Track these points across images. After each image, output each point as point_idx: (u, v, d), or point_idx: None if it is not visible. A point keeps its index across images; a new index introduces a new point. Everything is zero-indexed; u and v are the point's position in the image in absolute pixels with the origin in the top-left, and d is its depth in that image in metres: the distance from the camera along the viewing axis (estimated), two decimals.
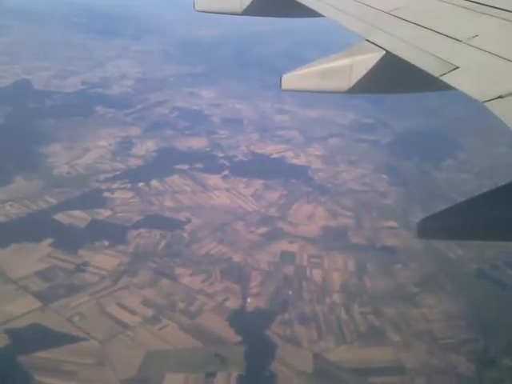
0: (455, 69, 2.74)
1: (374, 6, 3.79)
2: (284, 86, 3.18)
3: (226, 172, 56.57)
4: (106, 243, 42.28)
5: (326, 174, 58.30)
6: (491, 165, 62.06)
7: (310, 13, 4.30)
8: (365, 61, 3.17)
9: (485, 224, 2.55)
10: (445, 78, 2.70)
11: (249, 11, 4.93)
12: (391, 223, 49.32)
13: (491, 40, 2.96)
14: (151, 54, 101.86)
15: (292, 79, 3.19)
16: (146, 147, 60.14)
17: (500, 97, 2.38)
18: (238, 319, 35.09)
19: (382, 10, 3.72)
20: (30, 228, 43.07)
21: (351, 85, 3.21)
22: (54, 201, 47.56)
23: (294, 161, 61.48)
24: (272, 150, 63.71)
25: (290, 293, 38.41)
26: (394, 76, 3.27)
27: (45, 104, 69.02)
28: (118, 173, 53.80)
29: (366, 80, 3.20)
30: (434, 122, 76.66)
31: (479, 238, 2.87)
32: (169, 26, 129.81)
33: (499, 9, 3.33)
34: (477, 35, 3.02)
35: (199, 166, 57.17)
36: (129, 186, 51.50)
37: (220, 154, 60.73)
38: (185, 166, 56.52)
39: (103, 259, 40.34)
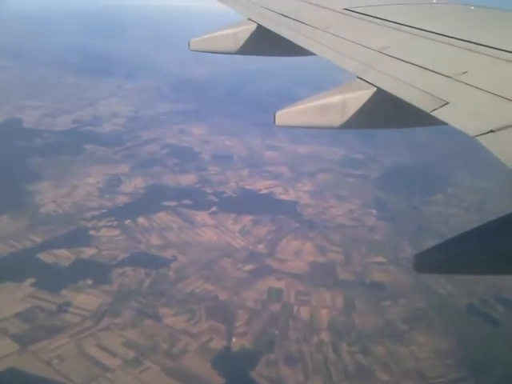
0: (446, 104, 2.80)
1: (364, 44, 3.95)
2: (278, 122, 3.27)
3: (214, 208, 56.40)
4: (90, 282, 41.55)
5: (315, 210, 58.18)
6: (480, 199, 62.28)
7: (302, 51, 4.46)
8: (357, 97, 3.27)
9: (484, 257, 2.53)
10: (436, 114, 2.75)
11: (242, 50, 5.11)
12: (380, 259, 48.87)
13: (480, 76, 3.04)
14: (143, 93, 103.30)
15: (286, 116, 3.27)
16: (135, 184, 60.09)
17: (491, 131, 2.41)
18: (222, 360, 34.11)
19: (371, 48, 3.88)
20: (13, 268, 42.33)
21: (344, 121, 3.31)
22: (38, 239, 47.01)
23: (283, 196, 61.46)
24: (261, 185, 63.78)
25: (277, 332, 37.55)
26: (385, 112, 3.36)
27: (34, 142, 69.30)
28: (104, 210, 53.48)
29: (359, 116, 3.29)
30: (422, 157, 77.27)
31: (477, 273, 2.84)
32: (162, 65, 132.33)
33: (487, 46, 3.44)
34: (466, 71, 3.11)
35: (187, 202, 57.01)
36: (115, 223, 51.10)
37: (209, 191, 60.68)
38: (173, 203, 56.35)
39: (86, 299, 39.53)
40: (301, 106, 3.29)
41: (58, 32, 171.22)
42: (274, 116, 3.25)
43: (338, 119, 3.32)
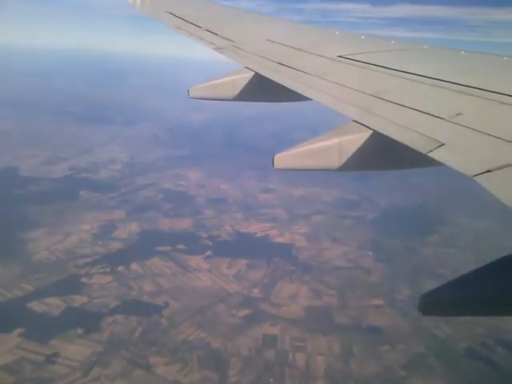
0: (441, 145, 2.86)
1: (359, 89, 4.08)
2: (277, 165, 3.32)
3: (208, 252, 56.00)
4: (80, 331, 40.63)
5: (310, 252, 57.76)
6: (476, 238, 62.04)
7: (298, 97, 4.61)
8: (353, 140, 3.36)
9: (492, 298, 2.48)
10: (432, 155, 2.79)
11: (240, 97, 5.27)
12: (377, 301, 48.04)
13: (474, 117, 3.11)
14: (141, 139, 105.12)
15: (284, 159, 3.36)
16: (129, 230, 59.91)
17: (488, 171, 2.45)
18: None
19: (366, 92, 3.99)
20: (2, 318, 41.54)
21: (341, 163, 3.38)
22: (30, 288, 46.31)
23: (278, 239, 61.18)
24: (256, 228, 63.62)
25: (272, 380, 36.36)
26: (382, 154, 3.44)
27: (30, 190, 69.60)
28: (97, 257, 53.01)
29: (356, 158, 3.38)
30: (417, 198, 77.81)
31: (486, 314, 2.84)
32: (160, 112, 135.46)
33: (479, 89, 3.55)
34: (460, 113, 3.19)
35: (182, 247, 56.66)
36: (108, 270, 50.55)
37: (204, 235, 60.45)
38: (167, 248, 56.00)
39: (75, 349, 38.51)
40: (299, 150, 3.38)
41: (59, 82, 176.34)
42: (273, 159, 3.31)
43: (335, 162, 3.41)
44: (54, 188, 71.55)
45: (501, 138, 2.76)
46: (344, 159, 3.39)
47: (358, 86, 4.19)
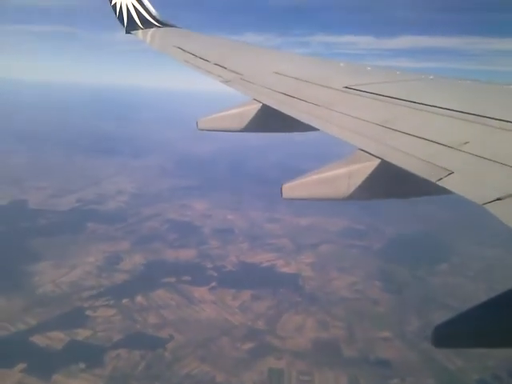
0: (450, 174, 2.85)
1: (366, 119, 4.13)
2: (285, 195, 3.33)
3: (213, 283, 55.53)
4: (82, 366, 40.12)
5: (317, 283, 57.00)
6: (486, 267, 60.89)
7: (305, 127, 4.65)
8: (361, 169, 3.36)
9: (510, 329, 2.40)
10: (441, 183, 2.79)
11: (248, 128, 5.34)
12: (385, 333, 46.98)
13: (482, 145, 3.12)
14: (148, 170, 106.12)
15: (293, 188, 3.36)
16: (134, 261, 59.77)
17: (498, 199, 2.44)
18: None
19: (373, 122, 4.02)
20: (4, 352, 41.04)
21: (350, 192, 3.38)
22: (33, 322, 46.02)
23: (285, 269, 60.60)
24: (262, 258, 63.17)
25: None
26: (390, 183, 3.43)
27: (38, 223, 70.12)
28: (102, 289, 52.77)
29: (364, 187, 3.37)
30: (425, 226, 76.86)
31: (503, 346, 2.62)
32: (168, 143, 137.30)
33: (485, 117, 3.57)
34: (467, 142, 3.20)
35: (186, 278, 56.29)
36: (112, 302, 50.21)
37: (209, 265, 60.09)
38: (172, 279, 55.65)
39: None
40: (307, 179, 3.39)
41: (70, 116, 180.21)
42: (281, 189, 3.31)
43: (343, 191, 3.40)
44: (62, 220, 72.01)
45: (509, 166, 2.77)
46: (353, 188, 3.38)
47: (365, 116, 4.24)
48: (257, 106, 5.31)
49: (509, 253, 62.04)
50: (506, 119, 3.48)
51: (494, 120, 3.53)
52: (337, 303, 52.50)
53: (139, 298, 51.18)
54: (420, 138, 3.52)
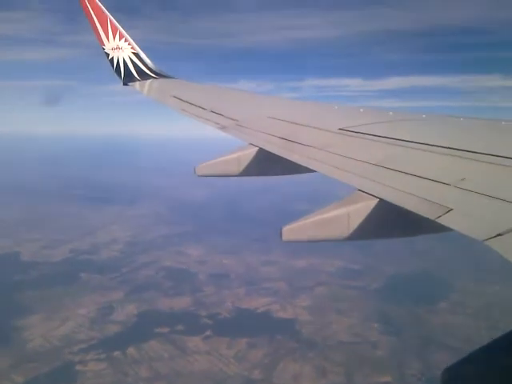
0: (450, 210, 2.87)
1: (362, 159, 4.16)
2: (285, 237, 3.31)
3: (208, 332, 54.25)
4: None
5: (314, 327, 55.75)
6: (486, 305, 59.78)
7: (302, 169, 4.71)
8: (360, 209, 3.37)
9: None
10: (441, 220, 2.80)
11: (245, 172, 5.43)
12: (386, 378, 45.68)
13: (479, 182, 3.12)
14: (144, 218, 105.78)
15: (293, 231, 3.35)
16: (127, 312, 58.58)
17: (499, 235, 2.44)
18: None
19: (369, 162, 4.05)
20: None
21: (350, 233, 3.38)
22: (20, 379, 44.62)
23: (281, 314, 59.38)
24: (258, 303, 62.02)
25: None
26: (390, 222, 3.44)
27: (30, 275, 69.19)
28: (93, 342, 51.47)
29: (364, 227, 3.37)
30: (423, 264, 76.01)
31: None
32: (163, 190, 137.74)
33: (481, 153, 3.61)
34: (464, 178, 3.20)
35: (180, 327, 55.05)
36: (103, 356, 48.87)
37: (203, 313, 58.88)
38: (165, 329, 54.37)
39: None
40: (307, 221, 3.38)
41: (65, 167, 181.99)
42: (281, 232, 3.30)
43: (343, 232, 3.39)
44: (54, 272, 71.07)
45: (508, 201, 2.77)
46: (352, 229, 3.38)
47: (362, 157, 4.27)
48: (253, 151, 5.41)
49: (509, 289, 61.17)
50: (502, 155, 3.52)
51: (490, 156, 3.55)
52: (335, 348, 51.15)
53: (131, 350, 49.82)
54: (417, 176, 3.55)
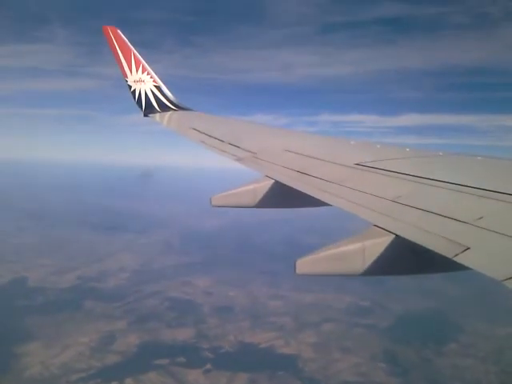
0: (467, 249, 2.83)
1: (378, 195, 4.17)
2: (299, 270, 3.30)
3: (208, 366, 53.06)
4: None
5: (318, 364, 54.14)
6: (497, 348, 57.44)
7: (316, 203, 4.71)
8: (376, 244, 3.35)
9: None
10: (458, 259, 2.77)
11: (261, 204, 5.47)
12: None
13: (497, 221, 3.11)
14: (153, 247, 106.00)
15: (307, 264, 3.34)
16: (128, 342, 57.86)
17: None
18: None
19: (385, 198, 4.04)
20: None
21: (364, 268, 3.37)
22: None
23: (284, 350, 57.92)
24: (261, 338, 60.67)
25: None
26: (405, 259, 3.42)
27: (36, 301, 69.29)
28: (92, 371, 50.76)
29: (379, 263, 3.36)
30: (434, 304, 73.92)
31: None
32: (176, 220, 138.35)
33: (498, 192, 3.59)
34: (482, 217, 3.18)
35: (181, 359, 54.03)
36: None
37: (205, 346, 57.81)
38: (165, 361, 53.42)
39: None
40: (321, 254, 3.35)
41: (82, 195, 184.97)
42: (295, 264, 3.29)
43: (358, 267, 3.37)
44: (60, 298, 71.12)
45: None
46: (367, 264, 3.35)
47: (377, 192, 4.25)
48: (269, 183, 5.46)
49: None
50: None
51: (508, 195, 3.52)
52: None
53: (129, 382, 48.92)
54: (433, 213, 3.51)
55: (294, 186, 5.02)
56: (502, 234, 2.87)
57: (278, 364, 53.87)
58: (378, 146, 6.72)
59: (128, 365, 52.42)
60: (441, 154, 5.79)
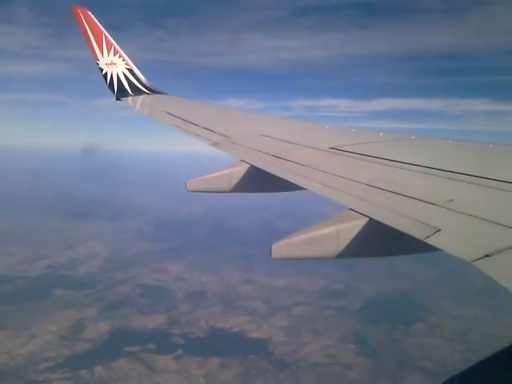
0: (438, 231, 2.90)
1: (353, 178, 4.22)
2: (274, 254, 3.32)
3: (179, 351, 53.04)
4: None
5: (288, 348, 54.74)
6: (464, 328, 59.10)
7: (292, 187, 4.78)
8: (350, 228, 3.40)
9: None
10: (429, 241, 2.83)
11: (236, 189, 5.49)
12: None
13: (467, 203, 3.20)
14: (126, 233, 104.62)
15: (282, 248, 3.35)
16: (98, 329, 57.23)
17: (487, 256, 2.47)
18: None
19: (360, 181, 4.10)
20: None
21: (339, 251, 3.41)
22: None
23: (255, 334, 58.34)
24: (233, 323, 60.93)
25: None
26: (379, 241, 3.49)
27: (2, 290, 67.40)
28: (61, 360, 50.11)
29: (353, 245, 3.42)
30: (405, 286, 75.50)
31: None
32: (148, 206, 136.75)
33: (468, 175, 3.66)
34: (452, 199, 3.28)
35: (151, 346, 53.81)
36: (69, 374, 47.59)
37: (176, 332, 57.71)
38: (136, 348, 53.14)
39: None
40: (296, 238, 3.37)
41: (52, 181, 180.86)
42: (270, 249, 3.30)
43: (332, 250, 3.42)
44: (29, 287, 69.62)
45: (495, 222, 2.82)
46: (342, 247, 3.42)
47: (351, 176, 4.30)
48: (244, 167, 5.46)
49: (487, 312, 60.76)
50: (490, 177, 3.58)
51: (477, 178, 3.61)
52: (308, 369, 50.19)
53: (99, 369, 48.54)
54: (406, 196, 3.58)
55: (270, 171, 5.07)
56: (472, 216, 2.98)
57: (249, 348, 54.26)
58: (353, 130, 6.84)
59: (98, 352, 51.93)
60: (413, 137, 5.87)
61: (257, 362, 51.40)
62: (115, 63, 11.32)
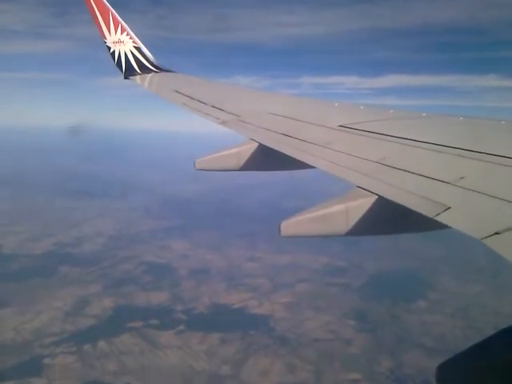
0: (448, 209, 2.90)
1: (362, 157, 4.22)
2: (283, 232, 3.35)
3: (181, 327, 53.85)
4: None
5: (289, 324, 55.29)
6: (465, 305, 59.14)
7: (301, 165, 4.78)
8: (359, 206, 3.42)
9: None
10: (439, 218, 2.84)
11: (244, 167, 5.51)
12: (355, 375, 45.28)
13: (478, 181, 3.18)
14: (131, 212, 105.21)
15: (291, 226, 3.38)
16: (102, 306, 58.21)
17: (496, 233, 2.47)
18: None
19: (369, 159, 4.10)
20: None
21: (348, 229, 3.43)
22: None
23: (257, 310, 58.98)
24: (235, 299, 61.58)
25: None
26: (388, 219, 3.50)
27: (9, 268, 68.67)
28: (65, 335, 51.18)
29: (362, 223, 3.43)
30: (408, 262, 75.43)
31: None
32: (155, 185, 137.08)
33: (480, 152, 3.65)
34: (463, 177, 3.26)
35: (154, 322, 54.67)
36: (74, 349, 48.61)
37: (179, 308, 58.51)
38: (138, 324, 54.05)
39: None
40: (305, 216, 3.41)
41: (59, 159, 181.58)
42: (279, 227, 3.32)
43: (342, 228, 3.44)
44: (35, 264, 70.70)
45: (505, 200, 2.81)
46: (351, 225, 3.43)
47: (361, 154, 4.31)
48: (253, 146, 5.45)
49: (488, 289, 60.64)
50: (501, 154, 3.54)
51: (489, 155, 3.57)
52: (308, 345, 50.73)
53: (102, 344, 49.50)
54: (416, 174, 3.57)
55: (279, 149, 5.05)
56: (482, 194, 2.95)
57: (250, 324, 54.90)
58: (362, 108, 6.79)
59: (101, 328, 52.90)
60: (424, 115, 5.84)
61: (258, 337, 52.06)
62: (123, 41, 11.22)
